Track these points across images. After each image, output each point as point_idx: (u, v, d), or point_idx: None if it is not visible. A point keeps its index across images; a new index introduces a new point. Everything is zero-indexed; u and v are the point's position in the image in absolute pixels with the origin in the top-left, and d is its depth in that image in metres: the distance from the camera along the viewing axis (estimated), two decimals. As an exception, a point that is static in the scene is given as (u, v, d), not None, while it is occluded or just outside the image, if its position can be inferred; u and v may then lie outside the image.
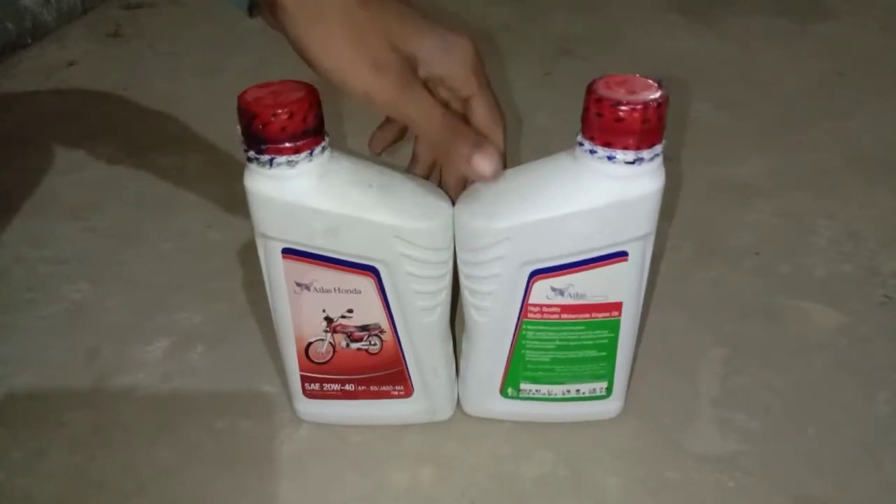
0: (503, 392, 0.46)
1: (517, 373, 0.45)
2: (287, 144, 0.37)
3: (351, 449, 0.46)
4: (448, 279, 0.42)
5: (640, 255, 0.41)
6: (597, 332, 0.43)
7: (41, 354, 0.54)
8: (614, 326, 0.43)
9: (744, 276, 0.59)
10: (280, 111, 0.36)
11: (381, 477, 0.45)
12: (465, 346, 0.46)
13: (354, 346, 0.44)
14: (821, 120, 0.80)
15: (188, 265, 0.62)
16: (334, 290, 0.42)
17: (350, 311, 0.42)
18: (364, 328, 0.43)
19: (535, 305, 0.42)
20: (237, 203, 0.69)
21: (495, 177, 0.37)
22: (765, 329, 0.54)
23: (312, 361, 0.45)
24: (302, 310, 0.43)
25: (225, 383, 0.51)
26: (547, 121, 0.80)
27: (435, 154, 0.43)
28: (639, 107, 0.36)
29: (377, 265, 0.40)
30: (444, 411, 0.47)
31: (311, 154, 0.38)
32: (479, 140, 0.37)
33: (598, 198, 0.38)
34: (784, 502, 0.43)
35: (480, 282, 0.42)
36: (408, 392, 0.46)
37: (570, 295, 0.41)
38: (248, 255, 0.62)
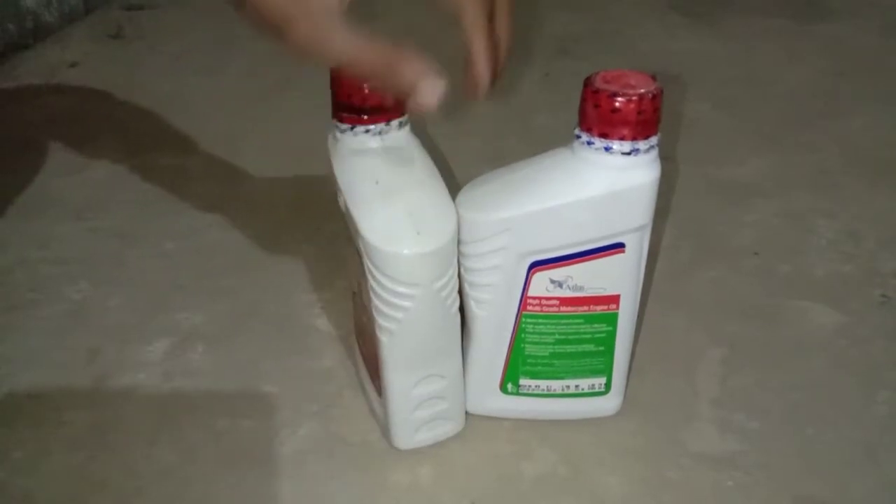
0: (503, 388, 0.46)
1: (516, 368, 0.45)
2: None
3: (351, 449, 0.46)
4: (416, 315, 0.41)
5: (637, 248, 0.41)
6: (595, 325, 0.43)
7: (42, 354, 0.54)
8: (612, 320, 0.43)
9: (743, 276, 0.59)
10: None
11: (382, 476, 0.45)
12: (464, 342, 0.46)
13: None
14: (821, 120, 0.80)
15: (189, 265, 0.62)
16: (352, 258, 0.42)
17: (360, 285, 0.43)
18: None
19: (534, 298, 0.42)
20: (237, 203, 0.69)
21: (438, 108, 0.34)
22: (764, 329, 0.54)
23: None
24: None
25: (225, 383, 0.51)
26: (547, 121, 0.80)
27: (378, 87, 0.38)
28: (634, 98, 0.37)
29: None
30: (394, 438, 0.46)
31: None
32: (415, 69, 0.33)
33: (595, 188, 0.39)
34: (783, 502, 0.43)
35: (480, 274, 0.42)
36: (378, 391, 0.46)
37: (568, 287, 0.42)
38: (249, 255, 0.63)
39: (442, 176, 0.42)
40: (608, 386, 0.46)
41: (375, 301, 0.40)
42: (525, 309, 0.43)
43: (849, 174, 0.71)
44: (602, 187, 0.39)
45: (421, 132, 0.44)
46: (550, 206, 0.39)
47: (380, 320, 0.41)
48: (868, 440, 0.46)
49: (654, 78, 0.39)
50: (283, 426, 0.48)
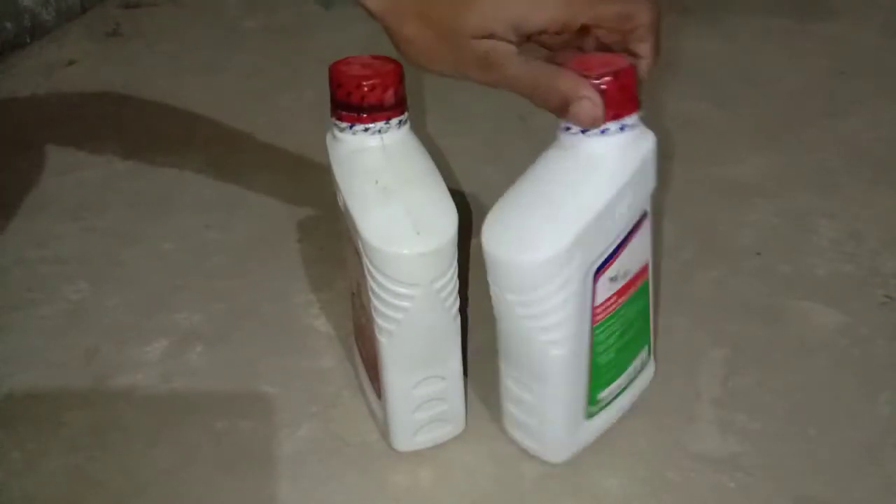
0: (587, 415, 0.43)
1: (597, 385, 0.43)
2: None
3: (351, 449, 0.46)
4: (415, 316, 0.40)
5: (650, 209, 0.43)
6: (639, 301, 0.44)
7: (40, 354, 0.54)
8: (646, 289, 0.44)
9: (745, 277, 0.59)
10: None
11: (381, 477, 0.44)
12: (536, 389, 0.42)
13: None
14: (822, 119, 0.80)
15: (187, 265, 0.62)
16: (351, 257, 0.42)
17: (360, 284, 0.43)
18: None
19: (599, 306, 0.41)
20: (236, 203, 0.69)
21: (595, 123, 0.37)
22: (766, 329, 0.54)
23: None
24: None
25: (225, 383, 0.51)
26: (547, 120, 0.80)
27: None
28: (610, 76, 0.37)
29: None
30: (393, 439, 0.45)
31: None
32: (575, 89, 0.37)
33: (622, 172, 0.39)
34: (785, 503, 0.43)
35: (553, 314, 0.39)
36: (378, 393, 0.46)
37: (621, 278, 0.41)
38: (248, 255, 0.62)
39: (442, 175, 0.42)
40: (650, 352, 0.46)
41: (375, 301, 0.40)
42: (595, 322, 0.41)
43: (850, 174, 0.71)
44: (628, 170, 0.39)
45: (421, 131, 0.43)
46: (599, 208, 0.38)
47: (379, 321, 0.40)
48: (870, 441, 0.46)
49: (614, 52, 0.40)
50: (283, 427, 0.47)
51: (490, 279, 0.40)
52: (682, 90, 0.86)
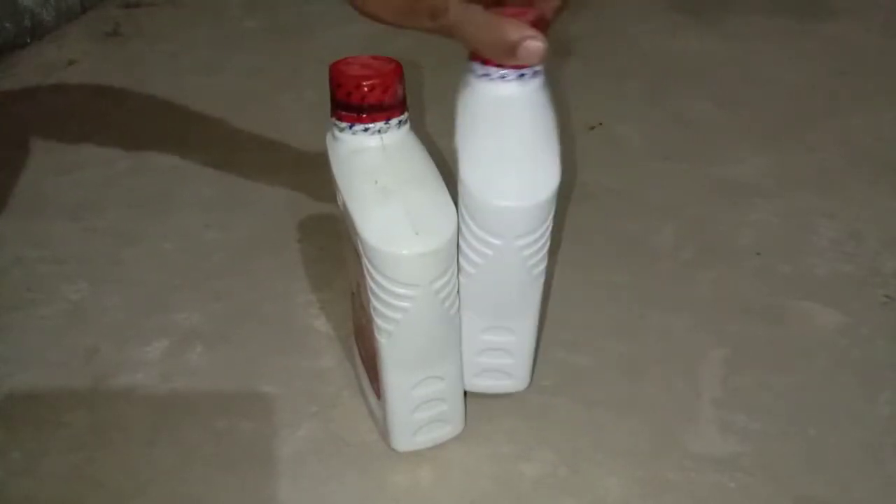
0: None
1: None
2: None
3: (351, 449, 0.46)
4: (414, 315, 0.41)
5: None
6: None
7: (40, 354, 0.53)
8: None
9: (745, 277, 0.59)
10: None
11: (381, 477, 0.44)
12: (517, 325, 0.45)
13: None
14: (822, 119, 0.80)
15: (187, 265, 0.62)
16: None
17: (359, 284, 0.43)
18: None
19: None
20: (236, 203, 0.69)
21: (542, 61, 0.39)
22: (766, 329, 0.54)
23: None
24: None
25: (225, 383, 0.51)
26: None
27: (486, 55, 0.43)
28: (531, 23, 0.38)
29: None
30: (392, 440, 0.45)
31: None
32: (518, 32, 0.38)
33: (549, 107, 0.42)
34: (785, 503, 0.43)
35: (547, 238, 0.42)
36: (377, 393, 0.46)
37: None
38: (248, 255, 0.62)
39: (442, 175, 0.42)
40: None
41: (374, 301, 0.40)
42: None
43: (850, 174, 0.71)
44: (550, 106, 0.42)
45: (420, 131, 0.43)
46: (554, 138, 0.41)
47: (378, 321, 0.40)
48: (870, 441, 0.46)
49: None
50: (283, 427, 0.47)
51: (491, 235, 0.40)
52: (682, 90, 0.86)
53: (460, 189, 0.40)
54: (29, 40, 1.02)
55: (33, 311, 0.57)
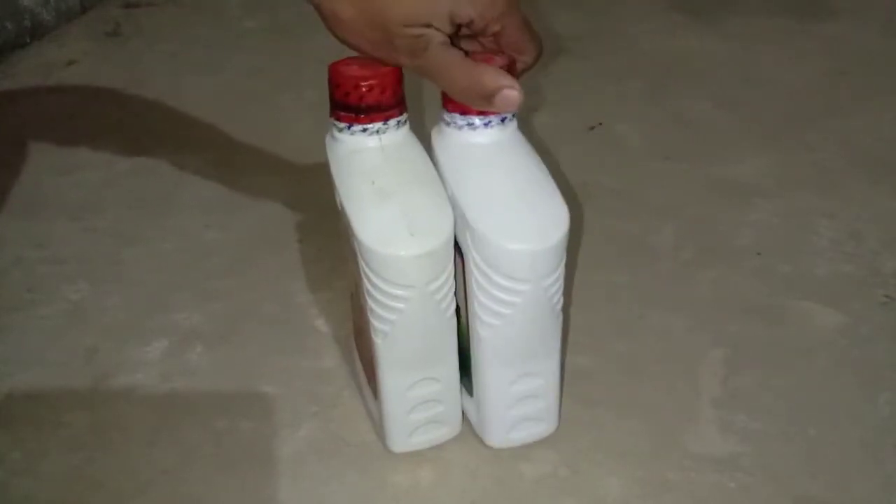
0: None
1: None
2: None
3: (351, 449, 0.46)
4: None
5: None
6: None
7: (40, 354, 0.53)
8: None
9: (745, 277, 0.59)
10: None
11: (381, 477, 0.44)
12: (545, 366, 0.44)
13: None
14: (822, 119, 0.80)
15: (187, 265, 0.62)
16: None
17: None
18: (457, 306, 0.43)
19: None
20: (236, 203, 0.69)
21: (517, 109, 0.39)
22: (766, 329, 0.54)
23: None
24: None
25: (225, 383, 0.51)
26: (547, 120, 0.80)
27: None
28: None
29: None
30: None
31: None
32: (496, 80, 0.38)
33: (528, 146, 0.42)
34: (785, 503, 0.43)
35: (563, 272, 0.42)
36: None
37: None
38: (248, 255, 0.62)
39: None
40: None
41: (370, 302, 0.40)
42: None
43: (850, 174, 0.71)
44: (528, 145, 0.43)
45: (420, 131, 0.43)
46: (547, 177, 0.41)
47: (374, 322, 0.40)
48: (870, 441, 0.46)
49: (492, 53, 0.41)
50: (283, 427, 0.47)
51: (518, 282, 0.39)
52: (682, 90, 0.86)
53: (471, 240, 0.39)
54: (29, 40, 1.02)
55: (33, 312, 0.57)
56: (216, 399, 0.50)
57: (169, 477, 0.45)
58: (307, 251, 0.63)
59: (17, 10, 1.00)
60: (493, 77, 0.38)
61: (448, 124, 0.41)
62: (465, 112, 0.40)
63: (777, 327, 0.54)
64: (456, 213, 0.40)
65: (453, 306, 0.42)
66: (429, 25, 0.37)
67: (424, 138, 0.43)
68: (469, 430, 0.47)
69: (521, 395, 0.44)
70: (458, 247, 0.41)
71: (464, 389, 0.46)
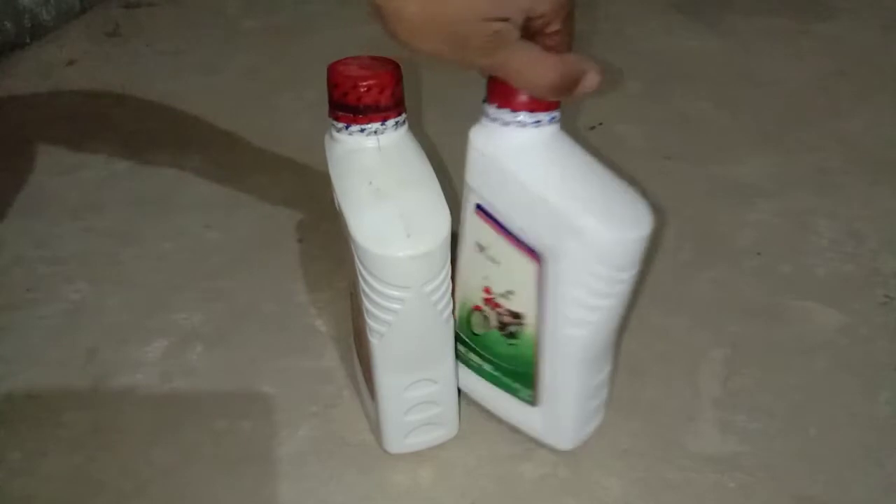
0: None
1: None
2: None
3: (351, 449, 0.46)
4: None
5: None
6: None
7: (40, 354, 0.53)
8: None
9: (745, 277, 0.59)
10: None
11: (381, 477, 0.44)
12: (607, 361, 0.44)
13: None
14: (822, 119, 0.80)
15: (187, 265, 0.62)
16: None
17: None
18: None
19: None
20: (236, 203, 0.69)
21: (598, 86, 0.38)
22: (766, 329, 0.54)
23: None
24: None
25: (224, 383, 0.51)
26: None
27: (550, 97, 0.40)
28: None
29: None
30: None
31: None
32: (581, 67, 0.37)
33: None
34: (785, 503, 0.43)
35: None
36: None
37: None
38: (247, 255, 0.62)
39: (439, 177, 0.42)
40: None
41: (366, 303, 0.40)
42: None
43: (850, 174, 0.71)
44: None
45: (419, 132, 0.43)
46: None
47: (370, 322, 0.40)
48: (870, 441, 0.46)
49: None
50: (283, 427, 0.47)
51: (604, 270, 0.38)
52: (682, 90, 0.86)
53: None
54: (29, 40, 1.02)
55: (33, 311, 0.57)
56: (216, 399, 0.50)
57: (169, 477, 0.45)
58: (307, 251, 0.63)
59: (17, 10, 1.00)
60: (581, 64, 0.37)
61: (507, 124, 0.39)
62: (534, 109, 0.38)
63: (777, 327, 0.54)
64: (553, 214, 0.38)
65: (450, 308, 0.42)
66: (506, 20, 0.36)
67: (423, 139, 0.43)
68: (469, 430, 0.47)
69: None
70: (532, 251, 0.40)
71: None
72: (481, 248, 0.41)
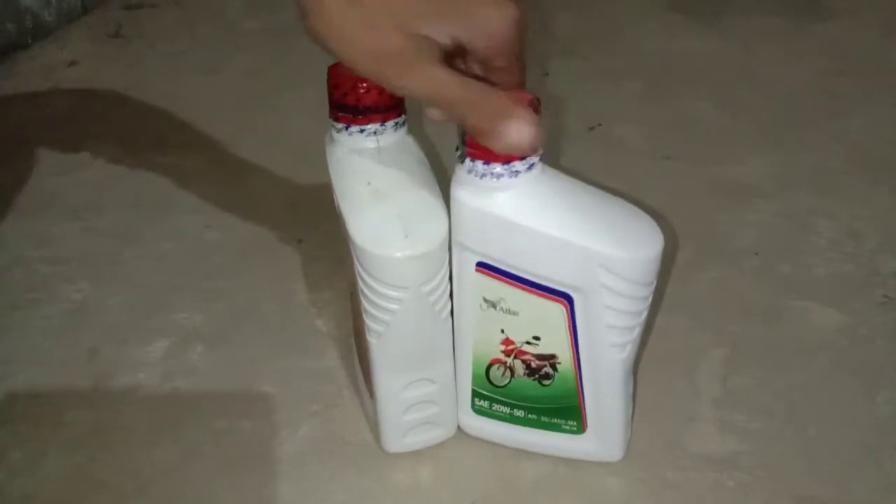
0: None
1: None
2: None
3: (351, 449, 0.46)
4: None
5: None
6: None
7: (41, 354, 0.54)
8: None
9: (744, 277, 0.59)
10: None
11: (382, 476, 0.44)
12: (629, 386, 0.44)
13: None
14: (821, 119, 0.80)
15: (188, 265, 0.62)
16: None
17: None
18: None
19: None
20: (236, 203, 0.69)
21: (534, 149, 0.34)
22: (765, 329, 0.54)
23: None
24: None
25: (225, 383, 0.51)
26: (547, 120, 0.80)
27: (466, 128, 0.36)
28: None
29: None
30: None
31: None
32: (508, 107, 0.33)
33: None
34: (784, 503, 0.43)
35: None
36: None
37: None
38: (248, 255, 0.62)
39: (438, 178, 0.42)
40: None
41: (364, 302, 0.40)
42: None
43: (849, 174, 0.71)
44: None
45: (419, 132, 0.43)
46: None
47: (368, 322, 0.40)
48: (869, 441, 0.46)
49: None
50: (283, 426, 0.48)
51: (634, 291, 0.39)
52: (682, 90, 0.86)
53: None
54: (30, 41, 1.02)
55: (34, 311, 0.57)
56: (216, 399, 0.50)
57: (170, 476, 0.45)
58: (307, 251, 0.63)
59: (19, 10, 1.00)
60: (502, 100, 0.33)
61: (499, 176, 0.36)
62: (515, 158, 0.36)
63: (777, 327, 0.54)
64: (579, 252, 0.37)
65: (448, 308, 0.42)
66: (427, 37, 0.33)
67: (423, 140, 0.43)
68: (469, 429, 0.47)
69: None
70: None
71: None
72: (492, 304, 0.41)
